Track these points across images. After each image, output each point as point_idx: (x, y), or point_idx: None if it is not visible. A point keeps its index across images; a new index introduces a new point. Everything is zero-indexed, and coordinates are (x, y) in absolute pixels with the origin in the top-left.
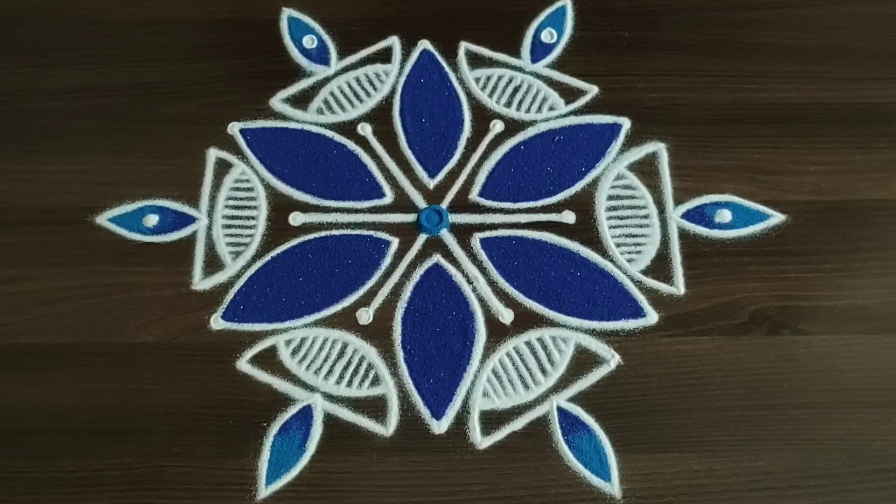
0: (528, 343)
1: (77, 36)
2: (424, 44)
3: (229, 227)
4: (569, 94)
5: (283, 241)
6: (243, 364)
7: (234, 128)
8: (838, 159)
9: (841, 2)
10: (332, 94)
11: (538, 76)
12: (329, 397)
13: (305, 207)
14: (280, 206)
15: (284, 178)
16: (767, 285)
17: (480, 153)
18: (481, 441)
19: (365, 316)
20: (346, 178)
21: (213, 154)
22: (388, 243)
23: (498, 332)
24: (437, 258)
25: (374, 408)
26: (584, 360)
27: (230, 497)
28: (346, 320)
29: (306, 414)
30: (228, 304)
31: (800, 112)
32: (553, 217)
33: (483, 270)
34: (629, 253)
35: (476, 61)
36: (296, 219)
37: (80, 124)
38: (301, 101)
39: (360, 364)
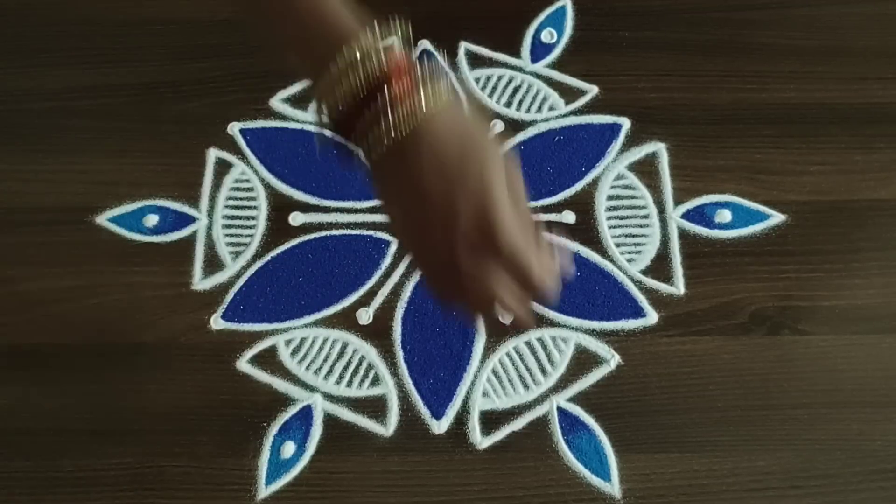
0: (528, 343)
1: (77, 36)
2: (424, 44)
3: (229, 227)
4: (569, 94)
5: (283, 241)
6: (243, 364)
7: (234, 128)
8: (838, 159)
9: (842, 2)
10: None
11: (538, 76)
12: (329, 397)
13: (305, 207)
14: (280, 206)
15: (284, 178)
16: (767, 285)
17: None
18: (481, 441)
19: (365, 316)
20: (346, 178)
21: (213, 154)
22: (388, 243)
23: (498, 332)
24: None
25: (374, 408)
26: (584, 360)
27: (230, 497)
28: (346, 320)
29: (306, 414)
30: (228, 304)
31: (800, 112)
32: (553, 217)
33: None
34: (629, 253)
35: (476, 61)
36: (296, 219)
37: (80, 124)
38: (301, 101)
39: (360, 364)
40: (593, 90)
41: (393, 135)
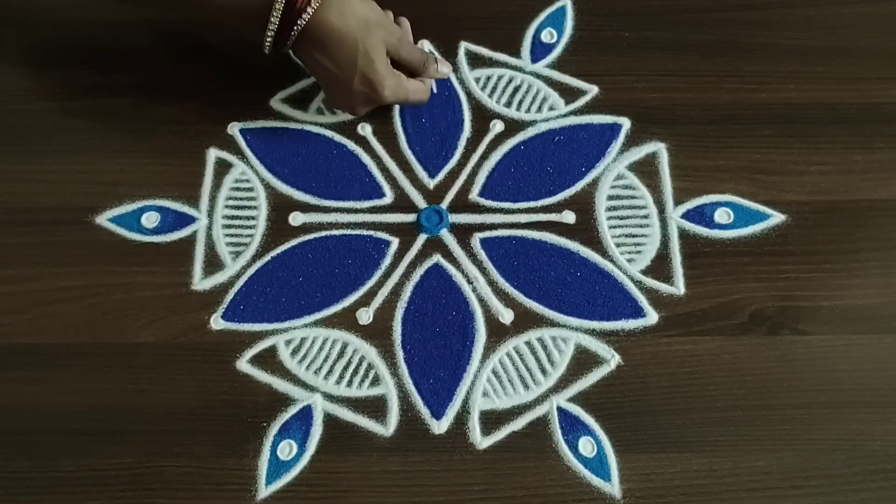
0: (528, 343)
1: (77, 36)
2: (424, 44)
3: (229, 227)
4: (569, 94)
5: (283, 241)
6: (243, 364)
7: (234, 128)
8: (838, 159)
9: (841, 2)
10: None
11: (538, 76)
12: (329, 397)
13: (305, 207)
14: (280, 206)
15: (284, 178)
16: (767, 285)
17: (480, 153)
18: (481, 441)
19: (365, 316)
20: (346, 178)
21: (213, 154)
22: (388, 243)
23: (498, 332)
24: (437, 258)
25: (374, 408)
26: (584, 360)
27: (230, 497)
28: (346, 320)
29: (306, 414)
30: (228, 304)
31: (800, 112)
32: (553, 217)
33: (483, 270)
34: (629, 253)
35: (476, 61)
36: (296, 219)
37: (80, 124)
38: (301, 101)
39: (360, 364)
40: (593, 90)
41: (294, 33)
